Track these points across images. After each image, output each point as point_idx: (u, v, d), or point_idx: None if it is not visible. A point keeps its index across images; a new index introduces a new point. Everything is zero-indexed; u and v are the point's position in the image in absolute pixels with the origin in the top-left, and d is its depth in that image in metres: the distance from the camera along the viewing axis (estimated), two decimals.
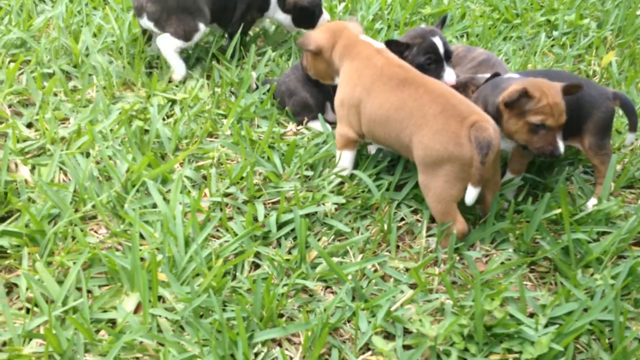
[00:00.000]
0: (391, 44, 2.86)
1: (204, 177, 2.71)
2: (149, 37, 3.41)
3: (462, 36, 4.04)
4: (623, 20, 4.15)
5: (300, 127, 3.17)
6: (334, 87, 3.01)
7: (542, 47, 3.92)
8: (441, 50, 2.89)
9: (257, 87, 3.34)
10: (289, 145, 2.84)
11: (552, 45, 4.02)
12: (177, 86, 3.28)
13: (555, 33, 4.09)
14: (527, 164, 2.79)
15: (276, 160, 2.81)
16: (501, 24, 4.14)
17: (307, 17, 3.63)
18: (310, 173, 2.80)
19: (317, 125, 3.14)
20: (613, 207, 2.63)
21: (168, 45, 3.23)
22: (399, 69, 2.61)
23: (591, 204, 2.77)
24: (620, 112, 3.26)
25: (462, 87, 2.90)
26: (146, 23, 3.25)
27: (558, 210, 2.56)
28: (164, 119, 3.02)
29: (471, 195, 2.35)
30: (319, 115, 3.10)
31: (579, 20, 4.13)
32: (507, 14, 4.21)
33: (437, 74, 2.88)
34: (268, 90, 3.26)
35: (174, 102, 3.15)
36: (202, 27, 3.30)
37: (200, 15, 3.28)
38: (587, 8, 4.32)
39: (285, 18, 3.67)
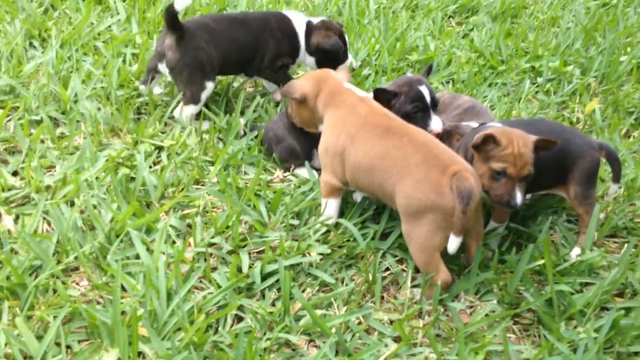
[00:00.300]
0: (379, 92, 2.91)
1: (189, 226, 2.71)
2: (152, 78, 3.46)
3: (448, 82, 4.09)
4: (607, 67, 4.22)
5: (287, 174, 3.18)
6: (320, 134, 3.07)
7: (526, 93, 3.97)
8: (428, 98, 2.93)
9: (245, 134, 3.37)
10: (275, 193, 2.85)
11: (537, 92, 4.07)
12: (164, 133, 3.30)
13: (539, 79, 4.15)
14: (511, 213, 2.81)
15: (262, 208, 2.81)
16: (486, 71, 4.20)
17: (330, 60, 3.57)
18: (296, 222, 2.81)
19: (303, 172, 3.16)
20: (596, 258, 2.64)
21: (184, 116, 3.36)
22: (383, 117, 2.64)
23: (575, 253, 2.79)
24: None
25: (446, 135, 2.93)
26: (164, 69, 3.34)
27: (541, 261, 2.58)
28: (150, 167, 3.03)
29: (453, 244, 2.36)
30: (306, 162, 3.12)
31: (563, 66, 4.20)
32: (493, 60, 4.27)
33: (424, 122, 2.92)
34: (256, 137, 3.28)
35: (161, 148, 3.16)
36: (209, 85, 3.36)
37: (210, 73, 3.36)
38: (571, 55, 4.39)
39: (310, 61, 3.67)
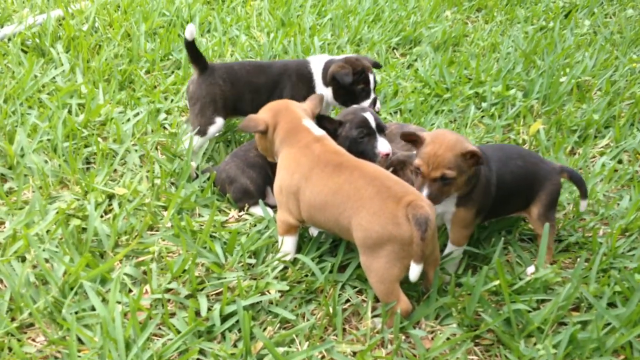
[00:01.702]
0: (323, 120, 2.96)
1: (145, 273, 2.68)
2: None
3: (395, 112, 4.16)
4: (547, 88, 4.34)
5: (242, 213, 3.18)
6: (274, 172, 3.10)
7: (472, 118, 4.06)
8: (372, 123, 3.00)
9: (197, 176, 3.36)
10: (231, 234, 2.84)
11: (482, 117, 4.16)
12: (114, 180, 3.27)
13: (484, 104, 4.25)
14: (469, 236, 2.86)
15: (218, 250, 2.80)
16: (432, 99, 4.29)
17: (346, 94, 3.53)
18: (253, 261, 2.80)
19: (258, 210, 3.16)
20: (550, 275, 2.69)
21: (193, 144, 3.46)
22: (334, 155, 2.68)
23: (530, 271, 2.84)
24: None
25: (400, 165, 2.98)
26: (187, 100, 3.59)
27: (497, 282, 2.62)
28: (102, 216, 3.00)
29: (415, 272, 2.37)
30: (260, 201, 3.13)
31: (506, 91, 4.31)
32: (437, 88, 4.37)
33: (372, 146, 2.99)
34: (208, 179, 3.27)
35: (112, 197, 3.13)
36: (219, 121, 3.50)
37: (221, 109, 3.49)
38: (512, 79, 4.51)
39: (328, 93, 3.60)
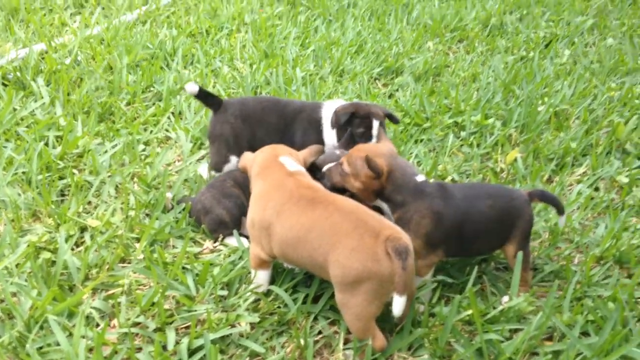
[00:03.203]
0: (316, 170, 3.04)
1: (115, 307, 2.65)
2: None
3: None
4: (526, 117, 4.37)
5: (216, 244, 3.17)
6: None
7: (451, 147, 4.07)
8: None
9: (173, 207, 3.36)
10: (203, 265, 2.83)
11: (461, 145, 4.18)
12: (88, 213, 3.27)
13: (463, 133, 4.26)
14: (438, 265, 2.84)
15: (190, 282, 2.79)
16: (412, 128, 4.30)
17: (344, 131, 3.42)
18: (225, 292, 2.79)
19: (233, 241, 3.15)
20: (523, 304, 2.68)
21: (205, 171, 3.62)
22: (308, 189, 2.66)
23: (504, 300, 2.83)
24: None
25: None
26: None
27: (470, 311, 2.60)
28: (73, 249, 2.99)
29: (398, 305, 2.30)
30: (234, 231, 3.12)
31: (484, 120, 4.33)
32: (417, 118, 4.39)
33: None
34: (183, 209, 3.27)
35: (85, 229, 3.12)
36: (233, 159, 3.50)
37: (234, 147, 3.50)
38: (491, 108, 4.54)
39: (332, 136, 3.51)
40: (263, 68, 4.86)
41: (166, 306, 2.67)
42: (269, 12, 6.21)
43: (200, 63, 5.00)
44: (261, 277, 2.79)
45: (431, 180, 2.86)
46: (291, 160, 2.88)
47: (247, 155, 3.01)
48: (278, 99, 3.75)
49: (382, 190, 2.74)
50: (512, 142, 4.21)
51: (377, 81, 5.13)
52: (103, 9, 6.04)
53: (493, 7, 6.72)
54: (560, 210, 2.98)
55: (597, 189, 3.79)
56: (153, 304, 2.66)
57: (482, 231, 2.82)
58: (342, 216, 2.46)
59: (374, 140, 3.40)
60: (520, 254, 2.81)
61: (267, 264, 2.78)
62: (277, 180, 2.74)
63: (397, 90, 4.92)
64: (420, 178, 2.81)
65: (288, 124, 3.54)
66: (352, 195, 2.76)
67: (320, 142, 3.51)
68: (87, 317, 2.60)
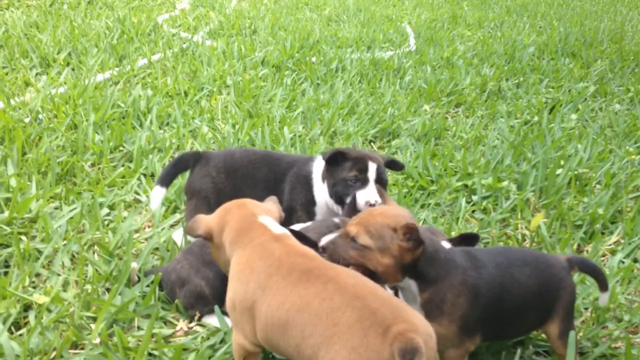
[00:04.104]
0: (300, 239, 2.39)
1: None
2: None
3: None
4: (543, 181, 3.90)
5: (192, 324, 2.57)
6: None
7: (463, 212, 3.56)
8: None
9: (139, 280, 2.76)
10: (175, 351, 2.23)
11: (474, 211, 3.68)
12: (36, 287, 2.66)
13: (474, 197, 3.77)
14: (472, 352, 2.26)
15: None
16: (417, 192, 3.80)
17: (338, 182, 2.88)
18: None
19: (213, 320, 2.56)
20: None
21: (180, 237, 3.07)
22: (301, 258, 2.06)
23: None
24: None
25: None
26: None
27: None
28: (12, 331, 2.38)
29: None
30: (216, 308, 2.52)
31: (497, 183, 3.85)
32: (422, 180, 3.90)
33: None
34: (153, 282, 2.67)
35: (29, 306, 2.52)
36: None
37: (215, 206, 2.80)
38: (503, 171, 4.07)
39: (326, 195, 2.97)
40: (247, 127, 4.37)
41: None
42: (252, 75, 5.79)
43: (177, 123, 4.49)
44: None
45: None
46: (272, 220, 2.31)
47: (207, 218, 2.33)
48: (269, 151, 3.25)
49: (415, 265, 2.13)
50: (530, 207, 3.71)
51: (372, 143, 4.66)
52: (73, 70, 5.58)
53: (488, 74, 6.39)
54: (604, 285, 2.46)
55: (636, 260, 3.28)
56: None
57: (522, 306, 2.28)
58: (345, 300, 1.85)
59: (370, 184, 2.83)
60: (572, 334, 2.26)
61: (254, 356, 2.16)
62: (260, 247, 2.14)
63: (395, 152, 4.44)
64: (447, 245, 2.28)
65: (278, 179, 3.01)
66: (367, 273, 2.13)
67: (311, 200, 2.98)
68: None
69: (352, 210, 2.75)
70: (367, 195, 2.78)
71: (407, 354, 1.67)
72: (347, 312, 1.82)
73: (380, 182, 2.85)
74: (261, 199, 2.88)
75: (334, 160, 2.88)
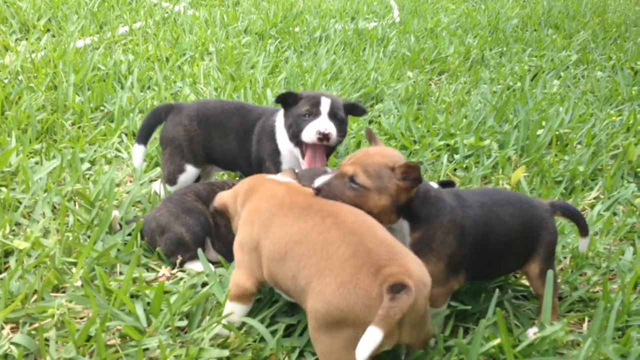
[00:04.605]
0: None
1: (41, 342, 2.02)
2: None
3: None
4: (525, 140, 3.92)
5: (175, 270, 2.58)
6: (218, 220, 2.68)
7: (445, 170, 3.57)
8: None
9: (121, 228, 2.75)
10: (157, 290, 2.23)
11: (455, 169, 3.69)
12: (17, 235, 2.65)
13: (456, 156, 3.78)
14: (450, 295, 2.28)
15: (139, 311, 2.19)
16: (399, 151, 3.80)
17: (292, 120, 2.83)
18: (185, 323, 2.19)
19: (196, 265, 2.57)
20: (559, 333, 2.13)
21: (159, 186, 3.09)
22: (301, 196, 2.10)
23: (532, 332, 2.27)
24: None
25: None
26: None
27: (496, 341, 2.05)
28: None
29: (368, 341, 1.65)
30: (199, 250, 2.52)
31: (479, 142, 3.87)
32: (404, 140, 3.90)
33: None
34: (134, 230, 2.66)
35: (10, 253, 2.51)
36: (189, 169, 3.01)
37: (189, 155, 2.99)
38: (485, 131, 4.08)
39: (287, 143, 2.91)
40: (230, 89, 4.35)
41: (110, 341, 2.06)
42: (235, 42, 5.75)
43: (159, 86, 4.45)
44: (236, 310, 2.18)
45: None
46: (282, 176, 2.34)
47: (221, 194, 2.40)
48: (243, 103, 3.23)
49: (408, 205, 2.13)
50: (512, 165, 3.73)
51: None
52: (53, 36, 5.51)
53: (472, 44, 6.39)
54: (584, 230, 2.48)
55: (615, 214, 3.31)
56: (90, 338, 2.04)
57: (506, 245, 2.30)
58: (340, 235, 1.87)
59: (321, 116, 2.78)
60: (550, 273, 2.28)
61: (249, 297, 2.17)
62: (266, 192, 2.18)
63: (379, 116, 4.44)
64: (435, 185, 2.29)
65: (248, 130, 2.99)
66: None
67: (275, 149, 2.94)
68: (6, 356, 1.99)
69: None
70: (316, 125, 2.75)
71: (396, 289, 1.68)
72: (341, 247, 1.83)
73: (335, 117, 2.81)
74: (231, 148, 2.89)
75: (287, 102, 2.86)
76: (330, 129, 2.72)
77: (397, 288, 1.68)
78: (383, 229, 1.97)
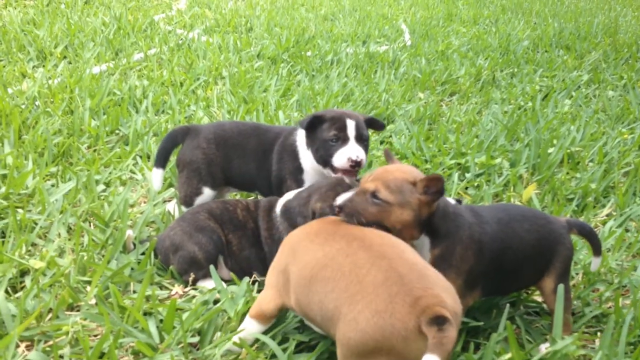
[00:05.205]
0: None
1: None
2: None
3: None
4: (536, 158, 3.93)
5: (187, 288, 2.60)
6: (230, 238, 2.71)
7: (456, 188, 3.59)
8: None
9: (135, 247, 2.79)
10: (169, 307, 2.25)
11: (467, 187, 3.71)
12: (32, 255, 2.69)
13: (467, 175, 3.80)
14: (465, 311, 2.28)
15: (152, 328, 2.21)
16: None
17: (319, 144, 2.81)
18: (197, 339, 2.21)
19: (208, 283, 2.59)
20: (571, 347, 2.13)
21: (174, 207, 3.13)
22: (329, 224, 2.11)
23: (544, 347, 2.27)
24: None
25: None
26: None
27: (507, 356, 2.05)
28: (9, 293, 2.41)
29: None
30: (211, 267, 2.54)
31: (491, 160, 3.88)
32: (415, 159, 3.93)
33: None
34: (148, 249, 2.70)
35: (26, 273, 2.55)
36: (206, 191, 3.03)
37: (207, 177, 3.02)
38: (496, 150, 4.10)
39: (312, 160, 2.90)
40: (242, 112, 4.40)
41: (123, 358, 2.09)
42: (247, 67, 5.83)
43: (173, 110, 4.52)
44: (251, 327, 2.19)
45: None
46: None
47: None
48: (258, 123, 3.27)
49: (431, 219, 2.14)
50: (523, 183, 3.74)
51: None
52: (70, 63, 5.62)
53: (483, 65, 6.43)
54: (597, 250, 2.49)
55: (627, 230, 3.30)
56: (103, 354, 2.07)
57: (522, 261, 2.31)
58: (370, 259, 1.83)
59: (350, 142, 2.75)
60: (561, 287, 2.28)
61: (268, 319, 2.18)
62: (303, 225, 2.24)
63: (390, 136, 4.47)
64: (452, 201, 2.31)
65: (267, 151, 3.01)
66: None
67: (298, 168, 2.95)
68: None
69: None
70: (347, 152, 2.73)
71: (436, 322, 1.65)
72: (372, 271, 1.80)
73: (361, 138, 2.80)
74: (250, 169, 2.92)
75: (313, 125, 2.84)
76: (362, 155, 2.73)
77: (439, 321, 1.64)
78: (411, 251, 1.95)
